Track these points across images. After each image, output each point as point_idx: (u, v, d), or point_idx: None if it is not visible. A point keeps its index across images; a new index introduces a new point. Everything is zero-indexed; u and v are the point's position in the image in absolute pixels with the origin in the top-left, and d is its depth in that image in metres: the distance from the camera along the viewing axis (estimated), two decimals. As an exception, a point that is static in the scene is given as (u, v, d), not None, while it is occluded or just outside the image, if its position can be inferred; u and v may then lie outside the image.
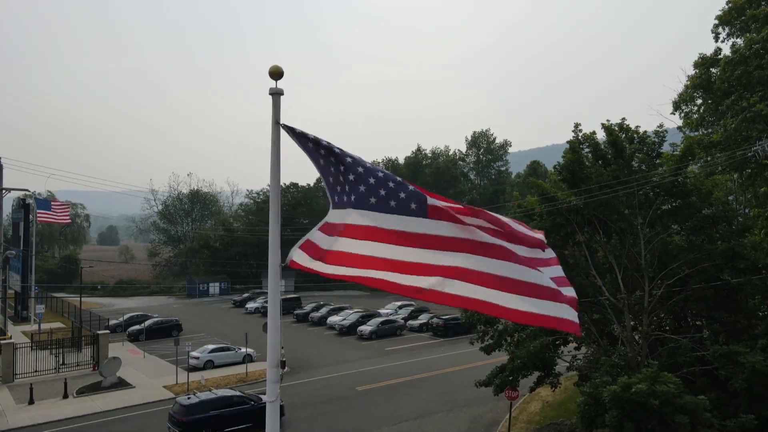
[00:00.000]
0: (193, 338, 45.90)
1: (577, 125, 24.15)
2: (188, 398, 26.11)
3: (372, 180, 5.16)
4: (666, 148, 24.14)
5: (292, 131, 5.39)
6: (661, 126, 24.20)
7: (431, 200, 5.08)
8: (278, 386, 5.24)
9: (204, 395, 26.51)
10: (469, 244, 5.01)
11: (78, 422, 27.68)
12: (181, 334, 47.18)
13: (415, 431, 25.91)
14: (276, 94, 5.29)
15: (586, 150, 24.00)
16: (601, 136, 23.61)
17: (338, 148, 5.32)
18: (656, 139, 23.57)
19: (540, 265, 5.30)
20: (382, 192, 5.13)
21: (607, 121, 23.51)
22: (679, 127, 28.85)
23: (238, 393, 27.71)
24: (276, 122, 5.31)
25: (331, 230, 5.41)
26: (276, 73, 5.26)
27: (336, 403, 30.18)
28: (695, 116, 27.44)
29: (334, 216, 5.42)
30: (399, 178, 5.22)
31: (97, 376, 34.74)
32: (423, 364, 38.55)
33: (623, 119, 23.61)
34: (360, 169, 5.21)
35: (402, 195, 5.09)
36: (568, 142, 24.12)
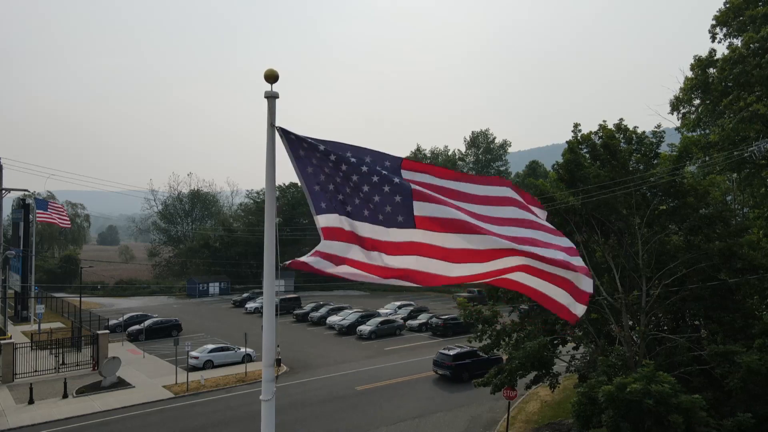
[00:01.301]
0: (193, 338, 45.96)
1: (576, 125, 24.24)
2: (449, 350, 34.71)
3: (366, 188, 5.36)
4: (664, 148, 24.23)
5: (286, 135, 5.46)
6: (659, 126, 24.27)
7: (417, 207, 5.36)
8: (273, 385, 5.30)
9: (457, 350, 34.70)
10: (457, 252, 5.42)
11: (78, 422, 27.74)
12: (181, 334, 47.25)
13: (414, 431, 25.97)
14: (271, 97, 5.34)
15: (585, 151, 24.10)
16: (600, 137, 23.69)
17: (334, 155, 5.44)
18: (654, 140, 23.66)
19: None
20: (376, 199, 5.36)
21: (604, 121, 23.59)
22: (677, 128, 28.90)
23: (473, 349, 32.80)
24: (271, 125, 5.36)
25: (338, 236, 5.53)
26: (271, 77, 5.31)
27: (335, 402, 30.24)
28: (692, 117, 27.48)
29: (331, 221, 5.52)
30: (392, 182, 5.40)
31: (97, 376, 34.79)
32: (422, 363, 38.55)
33: (621, 120, 23.71)
34: (355, 178, 5.38)
35: (389, 207, 5.38)
36: (567, 142, 24.21)
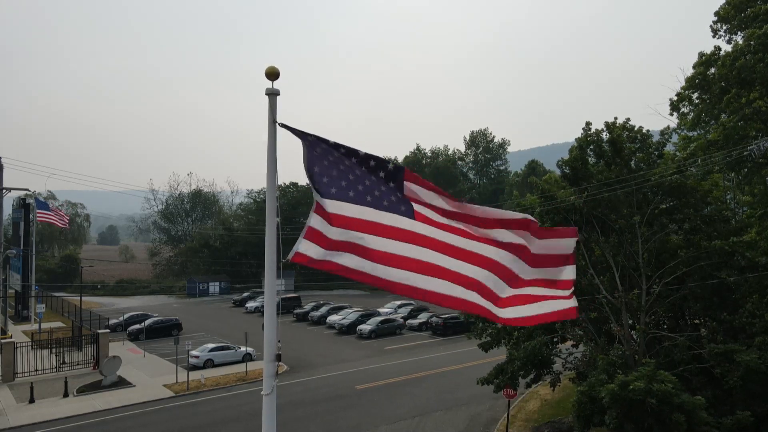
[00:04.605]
0: (193, 337, 45.97)
1: (588, 123, 24.10)
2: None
3: (367, 182, 5.54)
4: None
5: (291, 129, 5.54)
6: (668, 128, 24.39)
7: (416, 206, 5.63)
8: (274, 380, 5.33)
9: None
10: (448, 246, 5.67)
11: (78, 421, 27.79)
12: (181, 333, 47.29)
13: (413, 430, 26.00)
14: (272, 94, 5.38)
15: (590, 149, 24.04)
16: (606, 135, 23.69)
17: (343, 147, 5.60)
18: (662, 139, 23.76)
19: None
20: (376, 192, 5.54)
21: (615, 118, 23.58)
22: (668, 127, 28.94)
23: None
24: (273, 121, 5.40)
25: (336, 221, 5.53)
26: (272, 74, 5.35)
27: (335, 401, 30.27)
28: (690, 116, 27.49)
29: (333, 207, 5.53)
30: (388, 185, 5.57)
31: (98, 375, 34.85)
32: (422, 362, 38.64)
33: (627, 119, 23.68)
34: (358, 172, 5.55)
35: (392, 197, 5.60)
36: (576, 140, 24.14)
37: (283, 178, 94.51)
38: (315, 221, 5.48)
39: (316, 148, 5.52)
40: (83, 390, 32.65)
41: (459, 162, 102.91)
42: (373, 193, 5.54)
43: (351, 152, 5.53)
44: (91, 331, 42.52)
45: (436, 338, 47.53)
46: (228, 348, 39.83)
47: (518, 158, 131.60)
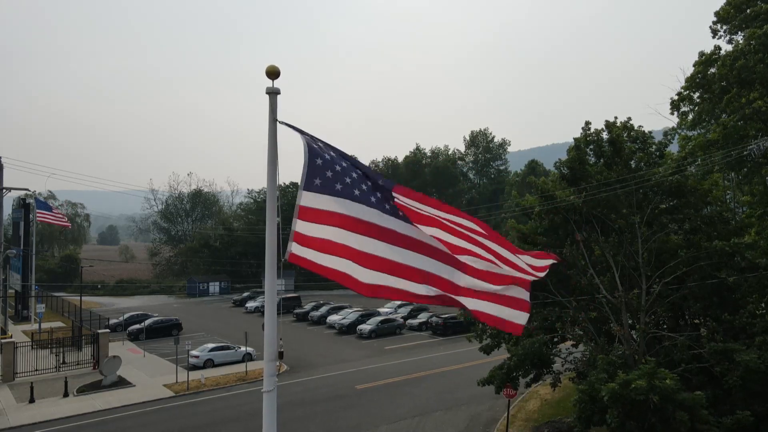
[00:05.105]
0: (193, 337, 45.98)
1: (587, 123, 24.13)
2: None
3: (354, 175, 5.65)
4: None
5: (291, 126, 5.60)
6: (672, 129, 24.43)
7: (398, 197, 5.75)
8: (275, 379, 5.34)
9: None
10: (427, 247, 5.73)
11: (78, 420, 27.79)
12: (181, 333, 47.31)
13: (413, 430, 26.01)
14: (272, 93, 5.41)
15: (590, 148, 24.04)
16: (606, 135, 23.69)
17: (339, 153, 5.71)
18: (664, 140, 23.78)
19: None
20: (363, 187, 5.65)
21: (615, 118, 23.60)
22: (674, 128, 28.97)
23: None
24: (273, 120, 5.43)
25: (313, 217, 5.60)
26: (273, 73, 5.38)
27: (335, 401, 30.28)
28: (690, 116, 27.54)
29: (310, 200, 5.58)
30: (376, 182, 5.70)
31: (98, 375, 34.86)
32: (422, 362, 38.65)
33: (628, 119, 23.68)
34: (344, 163, 5.65)
35: (377, 194, 5.68)
36: (575, 139, 24.15)
37: (284, 178, 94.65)
38: (299, 227, 5.58)
39: (313, 142, 5.58)
40: (83, 390, 32.66)
41: (459, 162, 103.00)
42: (360, 188, 5.65)
43: (346, 157, 5.62)
44: (91, 331, 42.54)
45: (436, 338, 47.55)
46: (228, 348, 39.84)
47: (518, 158, 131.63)
